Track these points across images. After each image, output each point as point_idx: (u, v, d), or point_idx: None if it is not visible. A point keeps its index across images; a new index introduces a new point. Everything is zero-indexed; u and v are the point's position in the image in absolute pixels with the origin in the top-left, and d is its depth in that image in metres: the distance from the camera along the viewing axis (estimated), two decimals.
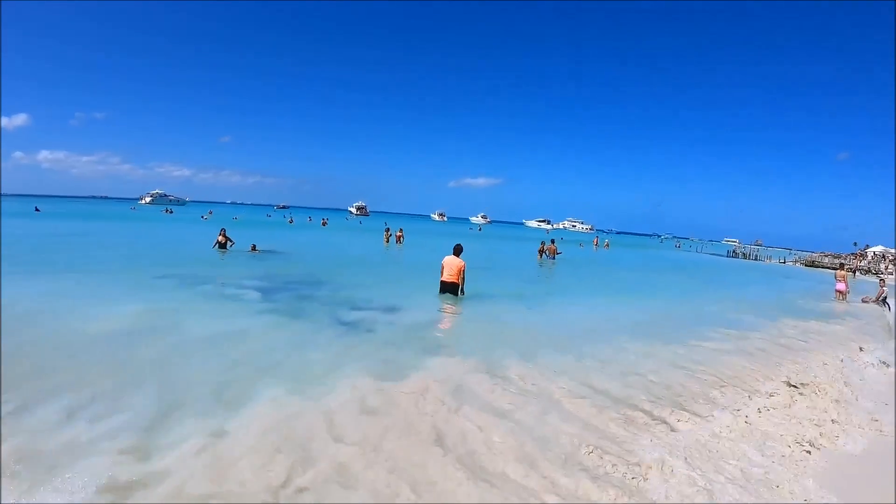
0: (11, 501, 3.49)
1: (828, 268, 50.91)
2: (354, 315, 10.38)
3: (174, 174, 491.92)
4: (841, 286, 20.65)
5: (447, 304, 12.27)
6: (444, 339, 9.32)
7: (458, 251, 13.01)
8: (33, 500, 3.54)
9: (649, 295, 18.57)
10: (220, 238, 22.48)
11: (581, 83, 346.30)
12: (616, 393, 6.65)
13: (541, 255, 30.98)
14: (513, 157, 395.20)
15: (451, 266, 12.82)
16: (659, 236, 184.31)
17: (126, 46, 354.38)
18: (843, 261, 49.49)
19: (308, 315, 10.25)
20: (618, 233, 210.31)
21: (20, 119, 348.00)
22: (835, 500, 4.30)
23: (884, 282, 20.72)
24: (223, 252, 21.69)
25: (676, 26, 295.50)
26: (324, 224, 64.97)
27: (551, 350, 8.54)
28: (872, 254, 63.60)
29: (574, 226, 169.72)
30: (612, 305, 15.01)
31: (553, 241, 32.34)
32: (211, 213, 78.91)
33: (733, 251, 70.17)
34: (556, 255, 31.07)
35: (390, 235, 36.95)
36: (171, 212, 79.25)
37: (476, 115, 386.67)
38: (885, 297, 20.39)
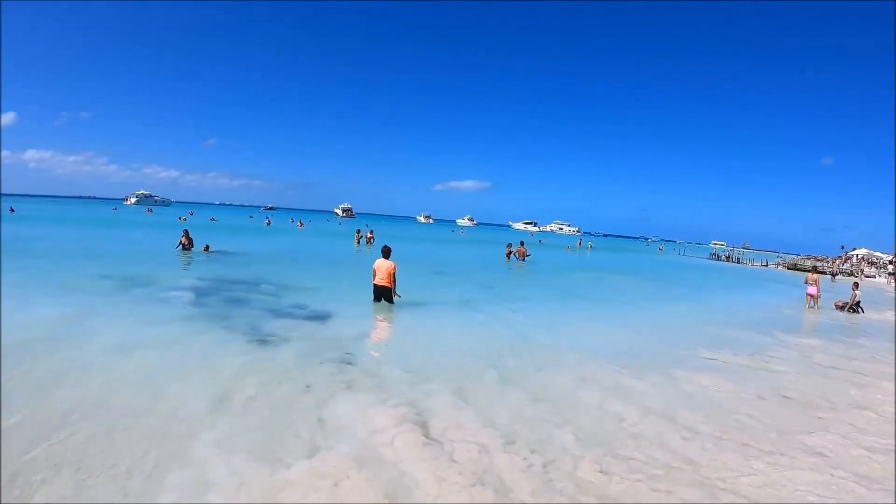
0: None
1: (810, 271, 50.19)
2: (275, 325, 9.66)
3: (161, 175, 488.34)
4: (812, 290, 19.55)
5: (380, 315, 11.54)
6: (363, 366, 7.46)
7: (386, 253, 12.49)
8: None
9: (612, 302, 17.61)
10: (184, 239, 22.38)
11: (570, 86, 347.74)
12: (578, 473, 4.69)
13: (508, 258, 30.34)
14: (501, 160, 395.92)
15: (381, 269, 12.36)
16: (646, 239, 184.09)
17: (112, 46, 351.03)
18: (815, 263, 48.70)
19: (226, 323, 9.62)
20: (605, 235, 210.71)
21: (8, 118, 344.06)
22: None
23: (857, 285, 19.64)
24: (186, 253, 21.53)
25: (664, 32, 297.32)
26: (300, 227, 63.58)
27: (491, 383, 7.13)
28: (856, 257, 63.09)
29: (561, 228, 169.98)
30: (568, 315, 13.83)
31: (522, 244, 31.26)
32: (192, 213, 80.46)
33: (715, 254, 69.21)
34: (526, 258, 30.26)
35: (361, 237, 36.66)
36: (151, 211, 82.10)
37: (465, 117, 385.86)
38: (859, 302, 19.32)
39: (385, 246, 12.81)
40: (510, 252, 30.62)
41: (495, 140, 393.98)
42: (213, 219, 65.27)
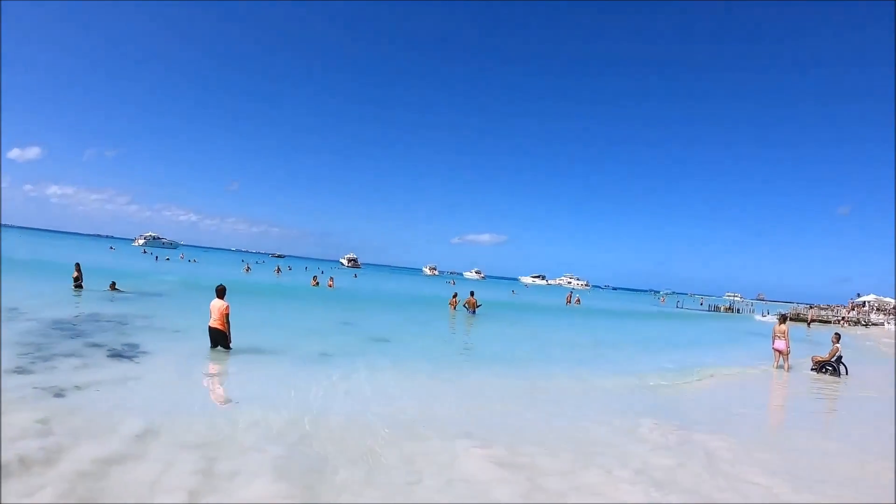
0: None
1: (815, 320, 46.37)
2: (78, 378, 8.19)
3: (180, 218, 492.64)
4: (780, 344, 16.02)
5: (193, 363, 10.25)
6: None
7: (220, 292, 11.39)
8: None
9: (521, 364, 14.46)
10: (75, 273, 21.56)
11: (588, 143, 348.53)
12: None
13: (454, 308, 28.49)
14: (518, 214, 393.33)
15: (213, 310, 11.34)
16: (657, 292, 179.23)
17: (140, 85, 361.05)
18: (820, 312, 44.66)
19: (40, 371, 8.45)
20: (614, 289, 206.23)
21: (33, 152, 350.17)
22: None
23: (838, 337, 16.00)
24: (78, 290, 20.85)
25: (681, 86, 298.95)
26: (277, 272, 63.17)
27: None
28: (866, 304, 58.75)
29: (570, 282, 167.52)
30: (433, 378, 11.04)
31: (472, 294, 28.28)
32: (182, 255, 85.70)
33: (715, 306, 65.33)
34: (476, 309, 27.64)
35: (317, 282, 42.02)
36: (146, 252, 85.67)
37: (483, 171, 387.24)
38: (840, 358, 15.69)
39: (220, 285, 11.58)
40: (456, 303, 28.95)
41: (514, 194, 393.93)
42: (194, 260, 71.38)
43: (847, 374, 15.55)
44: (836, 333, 16.59)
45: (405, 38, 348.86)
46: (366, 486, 5.06)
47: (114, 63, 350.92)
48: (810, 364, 16.14)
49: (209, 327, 11.34)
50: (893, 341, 30.51)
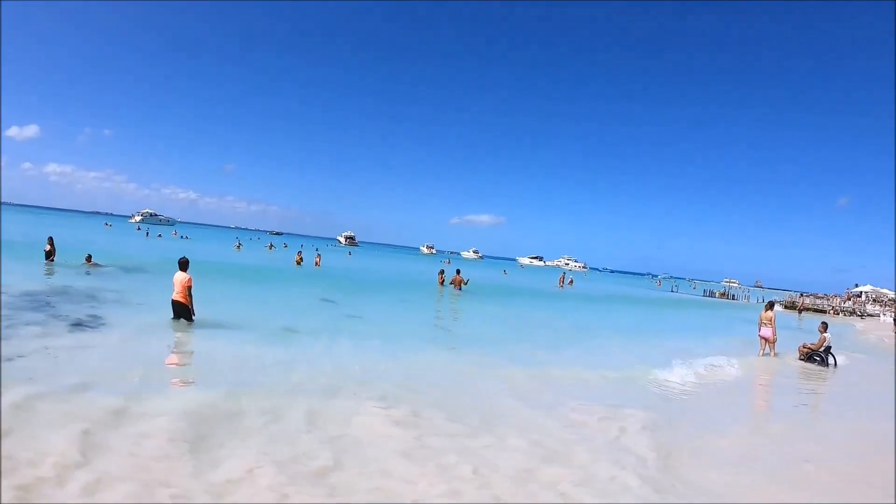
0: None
1: (808, 309, 45.90)
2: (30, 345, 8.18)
3: (179, 196, 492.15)
4: (766, 332, 15.41)
5: (161, 337, 10.19)
6: None
7: (183, 265, 11.27)
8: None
9: (468, 339, 14.11)
10: (47, 247, 21.29)
11: (589, 126, 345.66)
12: None
13: (441, 285, 28.29)
14: (518, 196, 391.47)
15: (176, 283, 11.22)
16: (654, 276, 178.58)
17: (139, 65, 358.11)
18: (816, 301, 44.11)
19: None
20: (612, 272, 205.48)
21: (31, 130, 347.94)
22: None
23: (826, 327, 15.37)
24: (50, 262, 20.62)
25: (683, 76, 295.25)
26: (270, 248, 64.44)
27: None
28: (864, 294, 58.16)
29: (567, 264, 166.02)
30: (385, 351, 10.68)
31: (458, 272, 28.13)
32: (175, 232, 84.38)
33: (710, 291, 64.77)
34: (463, 286, 27.42)
35: (301, 259, 38.93)
36: (140, 229, 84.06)
37: (485, 152, 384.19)
38: (830, 348, 15.09)
39: (182, 258, 11.50)
40: (443, 279, 28.65)
41: (513, 176, 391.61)
42: (187, 237, 70.59)
43: (836, 365, 14.96)
44: (824, 322, 15.95)
45: (407, 16, 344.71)
46: (255, 434, 5.41)
47: (111, 42, 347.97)
48: (797, 353, 15.57)
49: (172, 300, 11.25)
50: (893, 334, 29.96)
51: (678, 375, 10.98)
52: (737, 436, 7.38)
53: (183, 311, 11.17)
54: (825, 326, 15.42)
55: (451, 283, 27.56)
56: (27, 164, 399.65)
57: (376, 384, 7.78)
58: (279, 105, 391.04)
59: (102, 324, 10.51)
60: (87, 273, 19.20)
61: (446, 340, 13.83)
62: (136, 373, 7.19)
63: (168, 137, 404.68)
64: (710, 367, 12.35)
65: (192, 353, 9.75)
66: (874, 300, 52.85)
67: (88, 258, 21.53)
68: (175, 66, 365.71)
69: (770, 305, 15.98)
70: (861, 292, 59.19)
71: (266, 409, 6.15)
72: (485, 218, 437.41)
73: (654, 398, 9.13)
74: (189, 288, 11.13)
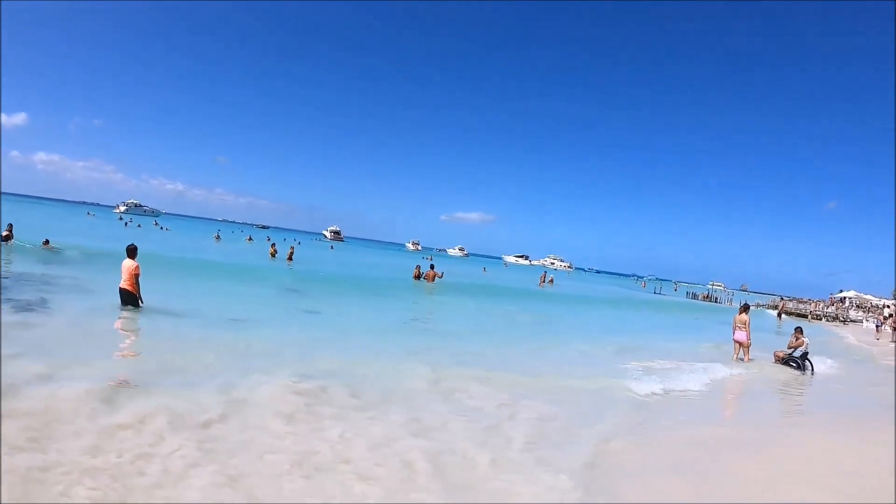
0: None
1: (791, 313, 45.59)
2: None
3: (167, 187, 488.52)
4: (740, 335, 14.68)
5: (114, 318, 10.41)
6: None
7: (131, 252, 11.14)
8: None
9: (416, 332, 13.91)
10: (6, 232, 21.36)
11: (581, 129, 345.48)
12: None
13: (417, 279, 28.49)
14: (508, 195, 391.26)
15: (123, 270, 11.13)
16: (640, 277, 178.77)
17: (130, 57, 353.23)
18: (799, 305, 43.74)
19: None
20: (597, 272, 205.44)
21: (20, 118, 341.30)
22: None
23: (801, 331, 14.68)
24: (7, 244, 20.75)
25: (675, 79, 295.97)
26: (249, 240, 63.41)
27: None
28: (848, 300, 58.01)
29: (553, 263, 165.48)
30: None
31: (432, 267, 28.37)
32: (156, 223, 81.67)
33: (692, 293, 64.55)
34: (437, 279, 27.64)
35: (276, 251, 37.05)
36: (122, 219, 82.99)
37: (476, 150, 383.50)
38: (806, 354, 14.39)
39: (130, 245, 11.34)
40: (418, 273, 28.57)
41: (504, 175, 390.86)
42: (167, 228, 68.58)
43: (813, 371, 14.27)
44: (799, 327, 15.30)
45: (401, 15, 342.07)
46: (163, 394, 5.87)
47: (101, 31, 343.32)
48: (773, 358, 14.88)
49: (119, 288, 11.14)
50: (876, 340, 29.48)
51: (630, 378, 10.12)
52: (643, 437, 6.84)
53: (130, 298, 11.05)
54: (800, 331, 14.75)
55: (424, 279, 27.44)
56: (15, 153, 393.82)
57: (300, 366, 7.96)
58: (273, 100, 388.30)
59: (49, 307, 10.71)
60: (43, 260, 18.68)
61: (396, 333, 13.42)
62: (68, 346, 7.69)
63: (159, 129, 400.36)
64: (664, 370, 11.58)
65: (130, 331, 9.98)
66: (857, 306, 52.61)
67: (46, 242, 21.48)
68: (169, 58, 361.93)
69: (745, 308, 15.23)
70: (844, 298, 59.07)
71: (184, 381, 6.59)
72: (475, 216, 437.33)
73: (579, 397, 8.52)
74: (136, 276, 11.02)
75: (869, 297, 56.97)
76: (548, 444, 6.00)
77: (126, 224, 67.25)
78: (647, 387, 9.55)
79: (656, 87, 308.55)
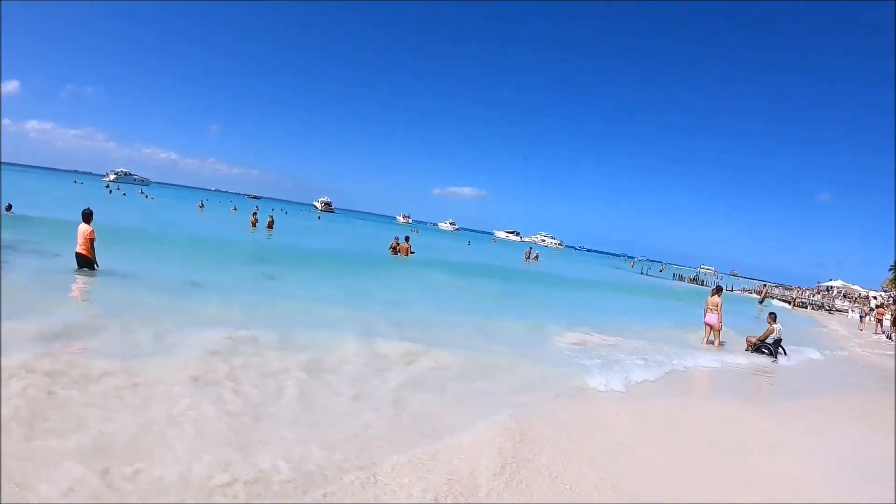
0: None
1: (778, 299, 45.23)
2: None
3: (160, 156, 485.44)
4: (711, 318, 14.06)
5: (69, 280, 10.48)
6: None
7: (86, 217, 11.15)
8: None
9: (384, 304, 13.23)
10: None
11: (576, 109, 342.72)
12: None
13: (394, 252, 27.83)
14: (501, 170, 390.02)
15: (79, 235, 11.13)
16: (630, 258, 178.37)
17: (122, 24, 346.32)
18: (784, 291, 43.31)
19: None
20: (588, 250, 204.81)
21: (11, 86, 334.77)
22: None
23: (774, 318, 14.03)
24: None
25: (669, 56, 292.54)
26: (234, 210, 62.14)
27: None
28: (835, 289, 57.66)
29: (544, 240, 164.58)
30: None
31: (407, 239, 27.87)
32: (142, 192, 79.79)
33: (680, 276, 64.25)
34: (410, 255, 27.00)
35: (256, 220, 36.07)
36: (108, 188, 78.74)
37: (470, 124, 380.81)
38: (780, 341, 13.76)
39: (86, 209, 11.31)
40: (395, 246, 27.94)
41: (497, 150, 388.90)
42: (152, 197, 67.17)
43: (787, 357, 13.69)
44: (772, 313, 14.65)
45: None
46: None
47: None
48: (745, 345, 14.26)
49: (75, 252, 11.15)
50: (859, 330, 29.04)
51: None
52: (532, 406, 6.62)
53: (85, 262, 11.15)
54: (774, 317, 14.09)
55: (398, 251, 27.02)
56: (6, 121, 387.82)
57: (242, 321, 8.24)
58: (266, 69, 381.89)
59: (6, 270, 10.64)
60: (5, 225, 17.86)
61: (339, 300, 13.12)
62: (17, 304, 7.62)
63: (152, 98, 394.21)
64: (601, 345, 11.29)
65: (81, 291, 10.07)
66: (844, 296, 52.24)
67: (9, 207, 21.47)
68: (164, 25, 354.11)
69: (718, 290, 14.58)
70: (831, 286, 58.73)
71: (122, 327, 7.09)
72: (467, 190, 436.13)
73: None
74: (91, 240, 11.08)
75: (856, 287, 56.60)
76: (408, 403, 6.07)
77: (111, 192, 66.44)
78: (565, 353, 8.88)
79: (656, 71, 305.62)
